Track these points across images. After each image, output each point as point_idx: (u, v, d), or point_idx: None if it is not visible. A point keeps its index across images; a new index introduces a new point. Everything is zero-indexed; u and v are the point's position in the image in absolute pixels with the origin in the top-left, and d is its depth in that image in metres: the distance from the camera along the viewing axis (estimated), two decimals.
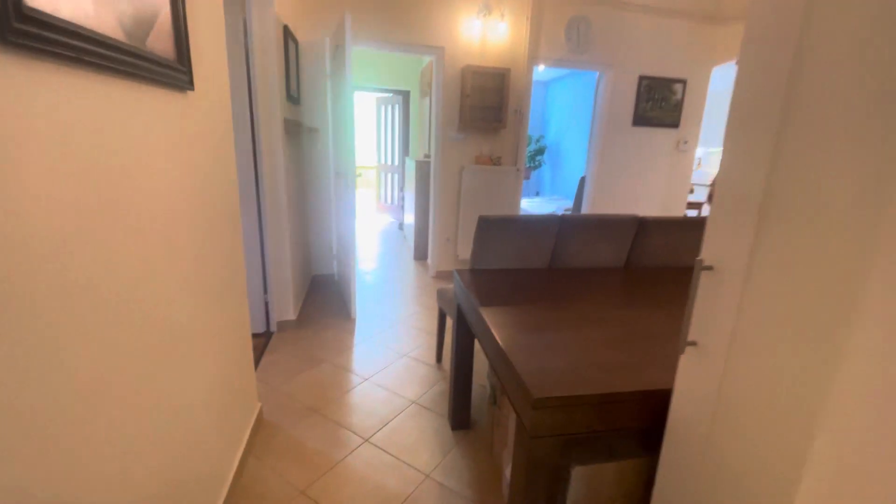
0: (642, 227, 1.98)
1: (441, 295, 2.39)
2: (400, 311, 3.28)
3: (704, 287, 0.88)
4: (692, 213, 4.90)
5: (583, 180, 4.67)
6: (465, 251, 4.00)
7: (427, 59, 5.82)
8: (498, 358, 1.24)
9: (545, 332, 1.30)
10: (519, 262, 1.89)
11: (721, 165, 0.86)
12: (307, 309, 3.24)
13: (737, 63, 0.95)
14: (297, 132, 3.22)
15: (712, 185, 5.83)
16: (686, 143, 4.48)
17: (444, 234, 4.00)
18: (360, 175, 4.40)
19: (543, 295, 1.61)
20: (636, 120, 4.24)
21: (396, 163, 6.95)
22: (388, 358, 2.58)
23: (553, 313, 1.43)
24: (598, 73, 4.17)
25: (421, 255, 4.68)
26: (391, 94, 6.80)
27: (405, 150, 6.82)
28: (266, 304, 2.74)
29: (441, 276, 4.09)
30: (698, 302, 0.90)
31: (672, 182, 4.60)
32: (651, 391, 1.03)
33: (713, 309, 0.86)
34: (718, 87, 4.56)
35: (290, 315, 2.90)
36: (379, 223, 6.86)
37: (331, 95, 3.47)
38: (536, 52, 3.82)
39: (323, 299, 3.44)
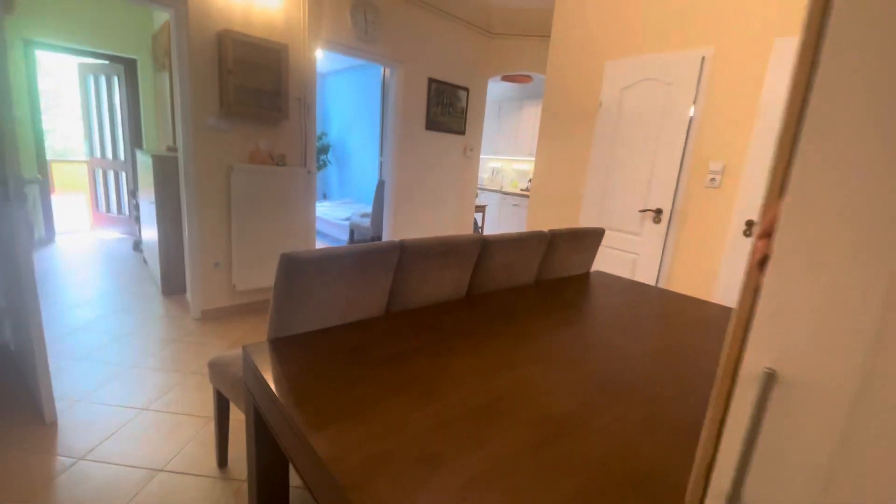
0: (485, 249, 1.67)
1: (217, 372, 1.53)
2: (146, 388, 2.15)
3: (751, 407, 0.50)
4: (478, 215, 5.16)
5: (382, 184, 4.28)
6: (246, 279, 3.03)
7: (161, 16, 4.32)
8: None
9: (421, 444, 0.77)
10: (350, 313, 1.29)
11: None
12: None
13: None
14: None
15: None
16: (472, 150, 4.64)
17: (211, 256, 2.93)
18: (36, 178, 2.85)
19: (388, 359, 1.07)
20: (429, 124, 4.10)
21: (123, 157, 5.05)
22: (129, 485, 1.55)
23: (417, 398, 0.92)
24: (388, 70, 3.82)
25: (174, 287, 3.39)
26: (107, 63, 4.87)
27: (136, 139, 5.02)
28: None
29: (211, 317, 3.00)
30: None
31: (464, 186, 4.70)
32: None
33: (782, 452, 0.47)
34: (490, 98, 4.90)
35: None
36: (99, 242, 4.85)
37: None
38: (319, 32, 3.16)
39: None
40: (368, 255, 1.27)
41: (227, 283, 3.04)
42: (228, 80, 2.66)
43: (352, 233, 4.91)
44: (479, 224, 5.24)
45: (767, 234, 0.42)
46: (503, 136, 6.14)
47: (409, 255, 1.39)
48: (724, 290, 2.63)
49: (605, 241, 3.18)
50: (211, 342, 2.65)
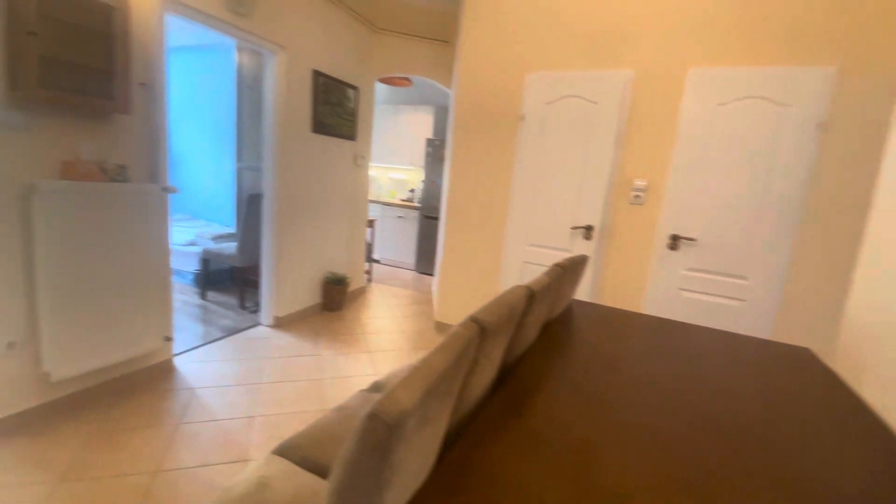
0: (530, 302, 1.27)
1: None
2: None
3: None
4: (368, 231, 4.59)
5: (255, 198, 3.36)
6: (68, 362, 1.91)
7: None
8: None
9: None
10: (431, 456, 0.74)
11: None
12: None
13: None
14: None
15: None
16: (363, 158, 4.06)
17: (2, 332, 1.75)
18: None
19: None
20: (315, 126, 3.38)
21: None
22: None
23: None
24: (265, 55, 2.98)
25: None
26: None
27: None
28: None
29: (7, 431, 1.80)
30: None
31: (355, 200, 4.08)
32: None
33: None
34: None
35: None
36: None
37: None
38: None
39: None
40: (463, 355, 0.75)
41: (33, 371, 1.87)
42: (27, 45, 1.59)
43: (205, 263, 3.77)
44: (370, 240, 4.67)
45: None
46: (377, 143, 5.65)
47: (487, 338, 0.91)
48: (653, 302, 2.77)
49: (531, 258, 3.07)
50: (27, 481, 1.55)
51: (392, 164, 6.14)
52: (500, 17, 2.99)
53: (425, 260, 5.54)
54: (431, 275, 5.43)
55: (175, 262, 2.85)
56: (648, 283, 2.78)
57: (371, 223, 4.71)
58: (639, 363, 1.45)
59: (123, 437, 1.88)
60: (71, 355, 1.93)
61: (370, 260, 4.88)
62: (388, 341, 3.26)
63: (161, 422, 2.01)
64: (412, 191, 6.15)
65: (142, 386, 2.28)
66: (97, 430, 1.91)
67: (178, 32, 3.78)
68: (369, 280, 4.85)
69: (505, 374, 1.20)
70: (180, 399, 2.22)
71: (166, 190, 2.25)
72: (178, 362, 2.57)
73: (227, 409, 2.17)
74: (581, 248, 2.87)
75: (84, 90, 1.85)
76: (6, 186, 1.71)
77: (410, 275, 5.50)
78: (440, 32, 4.10)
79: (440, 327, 3.54)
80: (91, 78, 1.88)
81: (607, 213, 2.80)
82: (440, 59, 4.15)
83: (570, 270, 1.71)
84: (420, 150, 5.78)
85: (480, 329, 0.87)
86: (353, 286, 4.16)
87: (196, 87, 4.58)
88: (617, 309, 2.08)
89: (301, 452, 1.17)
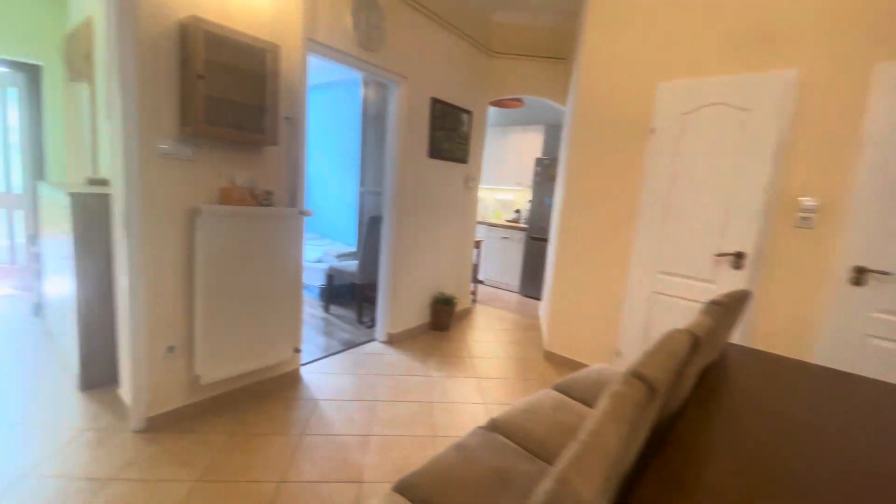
0: (693, 350, 1.05)
1: None
2: None
3: None
4: (476, 251, 4.56)
5: (375, 220, 3.54)
6: (216, 368, 2.14)
7: (80, 10, 3.34)
8: None
9: None
10: None
11: None
12: None
13: None
14: None
15: None
16: (474, 180, 4.07)
17: (162, 337, 2.03)
18: None
19: None
20: (432, 151, 3.47)
21: (20, 190, 3.88)
22: None
23: None
24: (389, 87, 3.16)
25: (99, 378, 2.38)
26: (1, 70, 3.75)
27: (37, 169, 3.89)
28: None
29: (162, 427, 2.07)
30: None
31: (464, 222, 4.09)
32: None
33: None
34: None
35: None
36: None
37: None
38: (315, 32, 2.46)
39: None
40: (636, 427, 0.60)
41: (186, 373, 2.13)
42: (197, 88, 1.86)
43: (329, 279, 4.06)
44: (475, 261, 4.63)
45: None
46: (486, 164, 5.66)
47: (654, 400, 0.74)
48: (828, 350, 2.23)
49: (663, 289, 2.71)
50: (169, 477, 1.74)
51: (498, 185, 6.10)
52: (627, 24, 2.77)
53: (531, 283, 5.32)
54: (537, 299, 5.19)
55: (305, 278, 3.10)
56: (821, 327, 2.25)
57: (478, 244, 4.67)
58: (832, 434, 1.11)
59: (256, 442, 2.02)
60: (218, 361, 2.16)
61: (475, 281, 4.83)
62: (495, 368, 3.13)
63: (287, 430, 2.14)
64: (518, 211, 6.02)
65: (273, 393, 2.47)
66: (235, 431, 2.08)
67: (315, 72, 4.22)
68: (474, 301, 4.80)
69: (658, 436, 1.00)
70: (305, 409, 2.35)
71: (303, 213, 2.45)
72: (304, 372, 2.75)
73: (345, 424, 2.23)
74: (728, 279, 2.45)
75: (240, 125, 2.11)
76: (176, 209, 1.99)
77: (515, 298, 5.33)
78: (555, 50, 3.98)
79: (550, 357, 3.31)
80: (246, 114, 2.13)
81: (764, 237, 2.36)
82: (554, 76, 4.02)
83: (730, 309, 1.42)
84: (527, 169, 5.65)
85: (649, 389, 0.70)
86: (459, 307, 4.13)
87: (326, 120, 5.08)
88: (782, 357, 1.69)
89: (422, 494, 1.10)
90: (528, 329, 4.10)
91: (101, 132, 3.22)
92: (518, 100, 4.80)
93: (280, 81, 2.22)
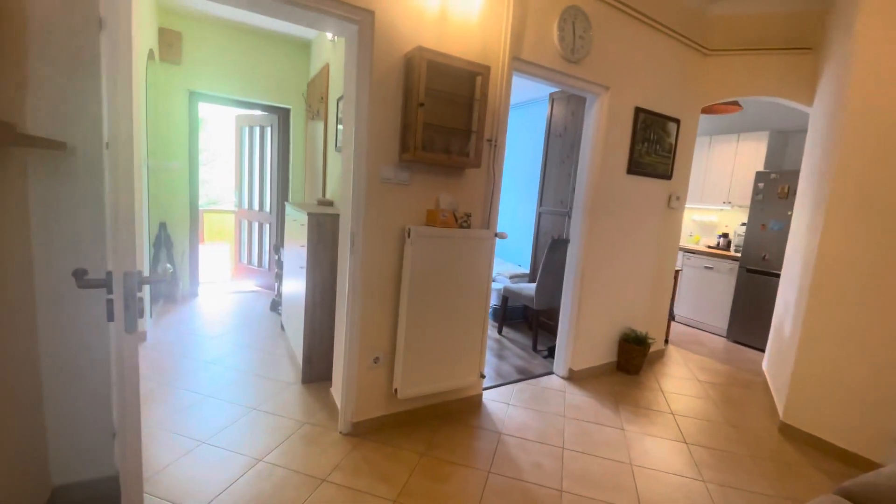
0: None
1: None
2: None
3: None
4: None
5: (558, 243, 3.31)
6: (413, 384, 2.19)
7: (319, 61, 4.04)
8: None
9: None
10: None
11: None
12: None
13: None
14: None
15: None
16: (678, 198, 3.49)
17: (370, 349, 2.16)
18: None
19: None
20: (631, 166, 3.07)
21: (268, 209, 4.86)
22: None
23: None
24: (588, 99, 2.92)
25: (315, 374, 2.70)
26: (262, 114, 4.79)
27: (283, 191, 4.81)
28: None
29: (364, 433, 2.20)
30: None
31: (664, 247, 3.53)
32: None
33: None
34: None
35: None
36: (236, 295, 4.58)
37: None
38: (520, 49, 2.39)
39: None
40: None
41: (386, 385, 2.23)
42: (417, 116, 1.94)
43: (504, 300, 3.97)
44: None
45: None
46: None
47: None
48: None
49: None
50: (371, 491, 1.79)
51: (697, 204, 5.19)
52: None
53: (745, 326, 4.30)
54: (756, 349, 4.16)
55: None
56: None
57: (676, 274, 3.99)
58: None
59: (445, 470, 1.97)
60: (415, 378, 2.20)
61: (669, 317, 4.13)
62: (709, 434, 2.51)
63: (473, 463, 2.03)
64: (725, 236, 5.00)
65: (456, 416, 2.43)
66: (423, 452, 2.08)
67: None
68: (667, 341, 4.10)
69: None
70: (488, 441, 2.23)
71: (498, 235, 2.37)
72: (485, 398, 2.66)
73: (532, 470, 2.03)
74: None
75: (449, 149, 2.13)
76: (392, 229, 2.11)
77: (720, 342, 4.38)
78: (796, 39, 3.15)
79: (789, 432, 2.52)
80: (455, 138, 2.15)
81: None
82: (793, 71, 3.18)
83: None
84: (741, 185, 4.66)
85: None
86: (652, 347, 3.55)
87: (511, 140, 5.09)
88: None
89: None
90: (747, 387, 3.27)
91: (330, 161, 3.78)
92: (735, 103, 3.99)
93: (487, 104, 2.19)
